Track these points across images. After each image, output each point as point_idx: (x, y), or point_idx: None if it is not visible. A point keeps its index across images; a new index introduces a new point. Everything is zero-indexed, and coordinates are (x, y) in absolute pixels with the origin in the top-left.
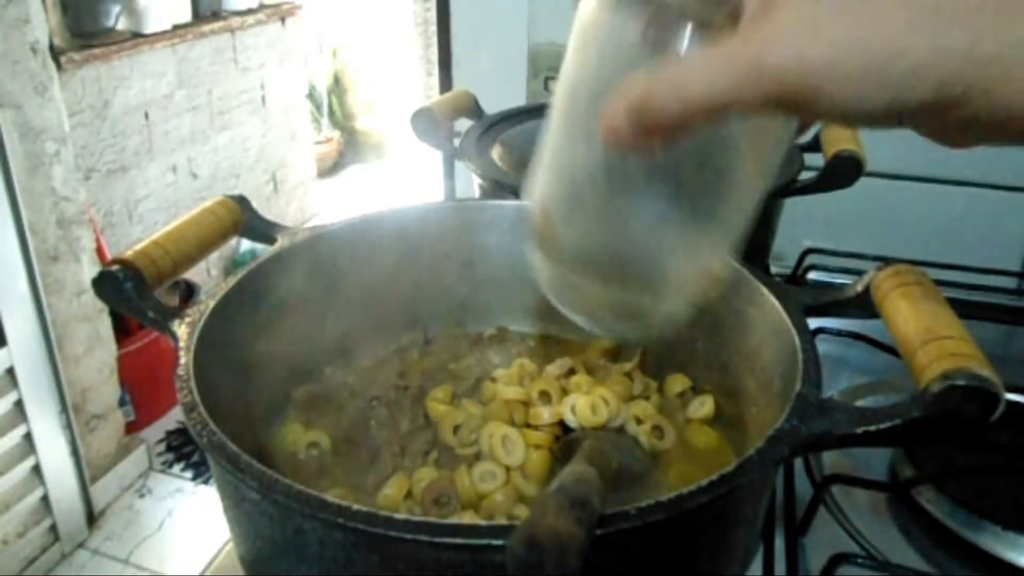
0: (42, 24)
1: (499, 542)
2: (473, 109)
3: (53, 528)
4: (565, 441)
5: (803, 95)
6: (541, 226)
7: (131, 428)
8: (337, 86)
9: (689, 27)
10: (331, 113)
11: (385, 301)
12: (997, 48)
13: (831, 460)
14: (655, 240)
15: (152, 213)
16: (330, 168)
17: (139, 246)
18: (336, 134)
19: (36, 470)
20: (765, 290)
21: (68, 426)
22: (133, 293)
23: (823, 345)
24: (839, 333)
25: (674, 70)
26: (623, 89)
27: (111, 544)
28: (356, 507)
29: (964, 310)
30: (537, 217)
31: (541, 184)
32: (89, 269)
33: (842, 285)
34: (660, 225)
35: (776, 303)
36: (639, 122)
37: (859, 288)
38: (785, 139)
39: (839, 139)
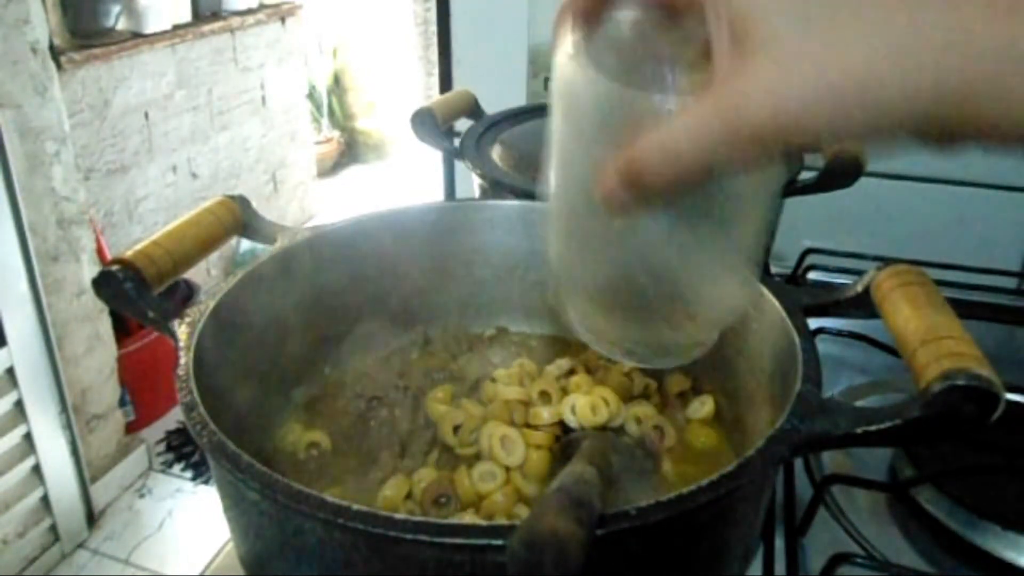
0: (42, 24)
1: (499, 542)
2: (473, 109)
3: (53, 528)
4: (565, 441)
5: (788, 138)
6: (563, 278)
7: (131, 428)
8: (337, 86)
9: (665, 72)
10: (331, 113)
11: (385, 301)
12: (963, 84)
13: (831, 460)
14: (671, 282)
15: (152, 213)
16: (330, 168)
17: (139, 246)
18: (336, 134)
19: (36, 470)
20: (765, 290)
21: (68, 426)
22: (133, 293)
23: (823, 345)
24: (839, 333)
25: (659, 134)
26: (613, 158)
27: (111, 544)
28: (356, 507)
29: (964, 310)
30: (558, 271)
31: (555, 244)
32: (89, 269)
33: (842, 285)
34: (676, 267)
35: (776, 303)
36: (633, 188)
37: (859, 288)
38: (783, 173)
39: None
